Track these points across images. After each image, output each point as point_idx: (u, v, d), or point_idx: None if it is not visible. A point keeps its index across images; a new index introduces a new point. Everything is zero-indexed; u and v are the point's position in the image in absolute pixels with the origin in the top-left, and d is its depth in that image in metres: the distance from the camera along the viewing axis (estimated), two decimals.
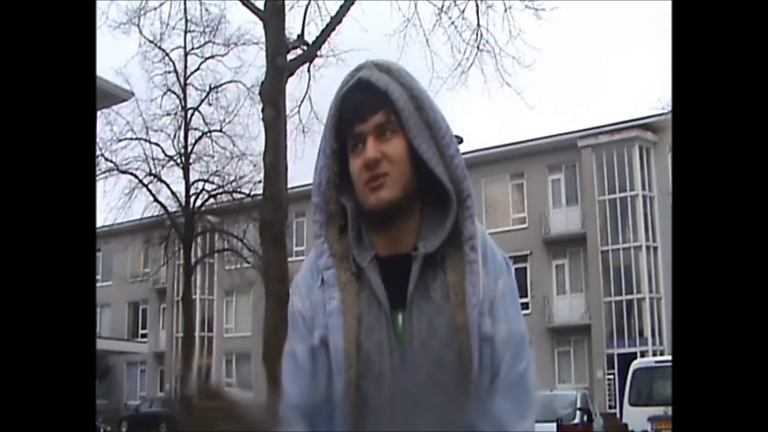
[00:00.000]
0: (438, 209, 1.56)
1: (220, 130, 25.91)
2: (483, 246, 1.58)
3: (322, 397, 1.53)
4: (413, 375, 1.49)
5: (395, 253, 1.56)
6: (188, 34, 24.61)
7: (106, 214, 24.98)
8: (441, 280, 1.53)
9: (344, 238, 1.58)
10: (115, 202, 25.21)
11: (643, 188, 29.26)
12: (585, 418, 14.53)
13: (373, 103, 1.54)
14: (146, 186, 25.46)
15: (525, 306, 30.28)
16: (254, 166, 24.15)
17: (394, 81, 1.55)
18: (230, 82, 25.60)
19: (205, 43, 25.28)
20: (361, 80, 1.56)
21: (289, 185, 13.65)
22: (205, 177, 26.21)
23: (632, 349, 26.85)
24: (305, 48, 15.10)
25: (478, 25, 15.37)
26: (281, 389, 1.61)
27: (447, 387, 1.50)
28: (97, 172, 22.88)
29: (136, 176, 25.35)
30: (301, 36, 15.22)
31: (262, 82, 13.83)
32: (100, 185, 23.85)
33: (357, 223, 1.58)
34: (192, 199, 25.85)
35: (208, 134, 26.13)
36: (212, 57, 25.51)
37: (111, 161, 24.78)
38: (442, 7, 15.49)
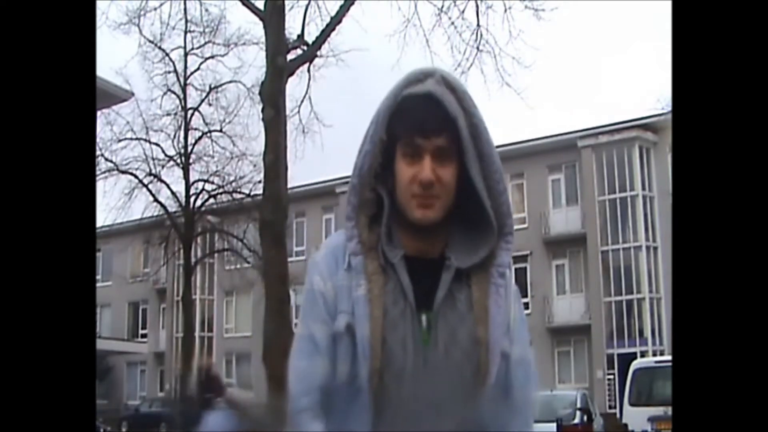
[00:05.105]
0: (473, 230, 1.61)
1: (220, 130, 25.95)
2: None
3: (344, 381, 1.54)
4: (434, 377, 1.54)
5: (422, 257, 1.60)
6: (188, 34, 24.70)
7: (106, 214, 25.04)
8: (466, 293, 1.59)
9: (374, 227, 1.60)
10: (115, 202, 25.26)
11: (643, 188, 29.26)
12: (585, 418, 14.54)
13: (439, 124, 1.55)
14: (146, 186, 25.48)
15: (525, 306, 30.04)
16: (254, 166, 24.17)
17: (458, 104, 1.57)
18: (230, 82, 25.65)
19: (205, 43, 25.36)
20: (431, 95, 1.56)
21: (289, 185, 13.65)
22: (205, 177, 26.26)
23: (632, 349, 26.85)
24: (305, 48, 15.11)
25: (478, 25, 15.39)
26: (292, 371, 1.59)
27: (462, 394, 1.55)
28: (97, 172, 22.88)
29: (136, 176, 25.40)
30: (301, 36, 15.23)
31: (262, 82, 13.85)
32: (100, 185, 23.88)
33: (389, 218, 1.60)
34: (192, 199, 25.85)
35: (208, 134, 26.16)
36: (212, 57, 25.57)
37: (111, 161, 24.83)
38: (442, 7, 15.52)
